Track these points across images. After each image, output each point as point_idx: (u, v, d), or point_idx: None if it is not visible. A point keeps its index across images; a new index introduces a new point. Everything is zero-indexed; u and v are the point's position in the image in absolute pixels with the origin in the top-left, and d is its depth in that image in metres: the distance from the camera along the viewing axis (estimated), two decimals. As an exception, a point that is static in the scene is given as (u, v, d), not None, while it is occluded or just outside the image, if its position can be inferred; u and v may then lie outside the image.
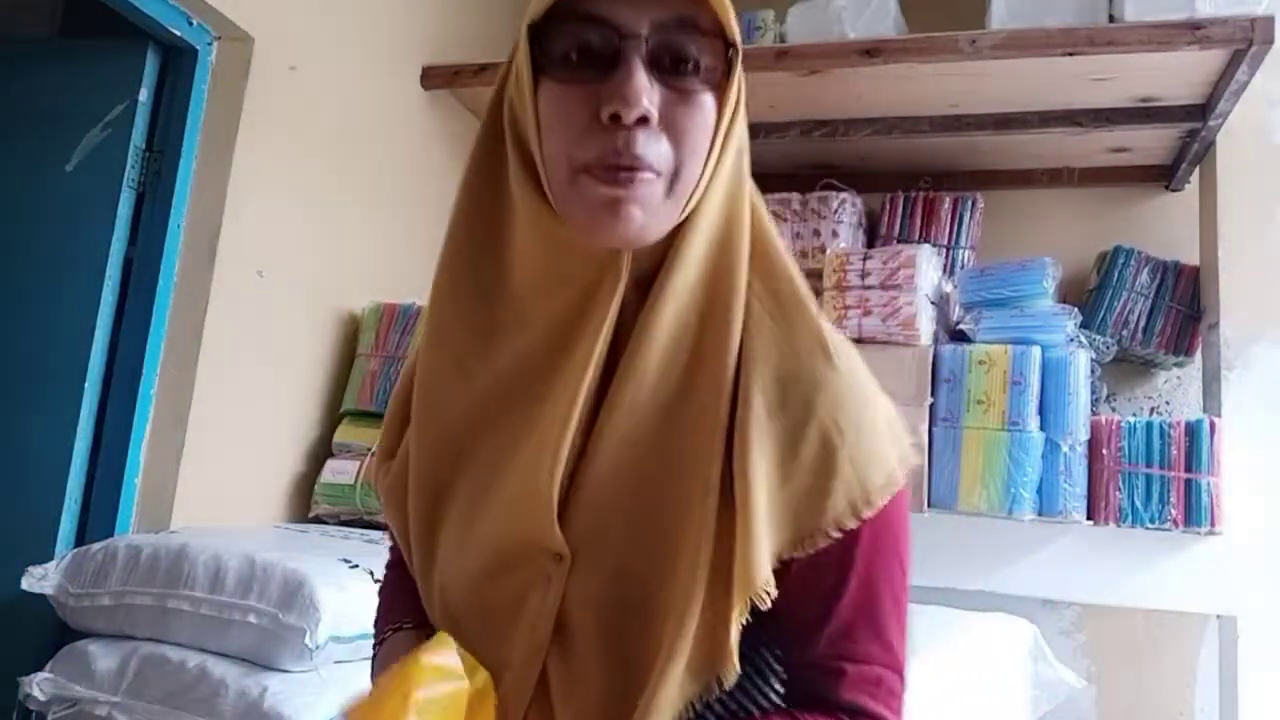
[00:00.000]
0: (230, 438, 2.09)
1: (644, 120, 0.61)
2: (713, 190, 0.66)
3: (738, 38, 0.65)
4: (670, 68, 0.63)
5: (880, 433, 0.68)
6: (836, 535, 0.65)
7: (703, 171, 0.65)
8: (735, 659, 0.64)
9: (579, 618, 0.67)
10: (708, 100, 0.64)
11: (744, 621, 0.64)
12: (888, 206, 2.87)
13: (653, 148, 0.62)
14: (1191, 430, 2.25)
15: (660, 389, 0.67)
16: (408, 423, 0.76)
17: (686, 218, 0.66)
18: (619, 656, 0.66)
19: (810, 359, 0.68)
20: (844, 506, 0.65)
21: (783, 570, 0.65)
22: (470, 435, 0.71)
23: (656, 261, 0.67)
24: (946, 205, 2.81)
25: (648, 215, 0.63)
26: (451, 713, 0.64)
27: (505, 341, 0.70)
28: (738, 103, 0.67)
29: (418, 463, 0.74)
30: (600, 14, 0.62)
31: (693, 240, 0.66)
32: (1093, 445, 2.32)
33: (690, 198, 0.65)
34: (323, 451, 2.35)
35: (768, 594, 0.63)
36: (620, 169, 0.62)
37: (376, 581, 1.74)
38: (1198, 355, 2.66)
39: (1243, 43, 2.16)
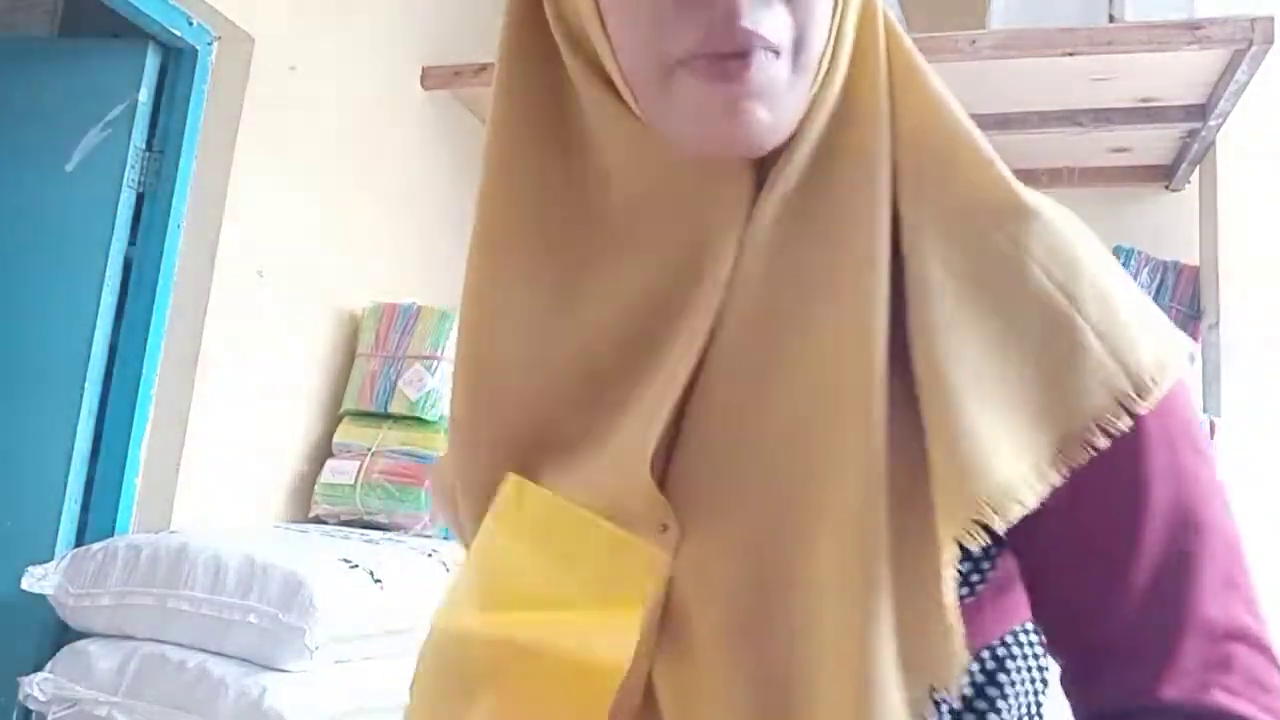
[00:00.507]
0: (230, 437, 2.09)
1: None
2: (839, 54, 0.51)
3: None
4: None
5: (1130, 297, 0.49)
6: (1103, 442, 0.44)
7: (829, 36, 0.50)
8: (960, 646, 0.42)
9: (698, 611, 0.47)
10: None
11: (968, 588, 0.44)
12: (888, 206, 2.87)
13: (766, 16, 0.47)
14: (1191, 430, 2.25)
15: (801, 308, 0.49)
16: None
17: (814, 97, 0.51)
18: (759, 663, 0.45)
19: (998, 204, 0.50)
20: (1104, 397, 0.45)
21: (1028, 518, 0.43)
22: (562, 398, 0.54)
23: (782, 158, 0.51)
24: (946, 205, 2.81)
25: (774, 110, 0.48)
26: None
27: (602, 281, 0.53)
28: None
29: (493, 430, 0.56)
30: None
31: (835, 122, 0.51)
32: (1093, 445, 2.32)
33: (818, 71, 0.50)
34: (323, 451, 2.35)
35: (1003, 515, 0.42)
36: (730, 57, 0.47)
37: (377, 581, 1.75)
38: (1198, 355, 2.66)
39: (1243, 43, 2.16)
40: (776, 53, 0.48)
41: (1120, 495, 0.46)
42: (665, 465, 0.50)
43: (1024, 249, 0.48)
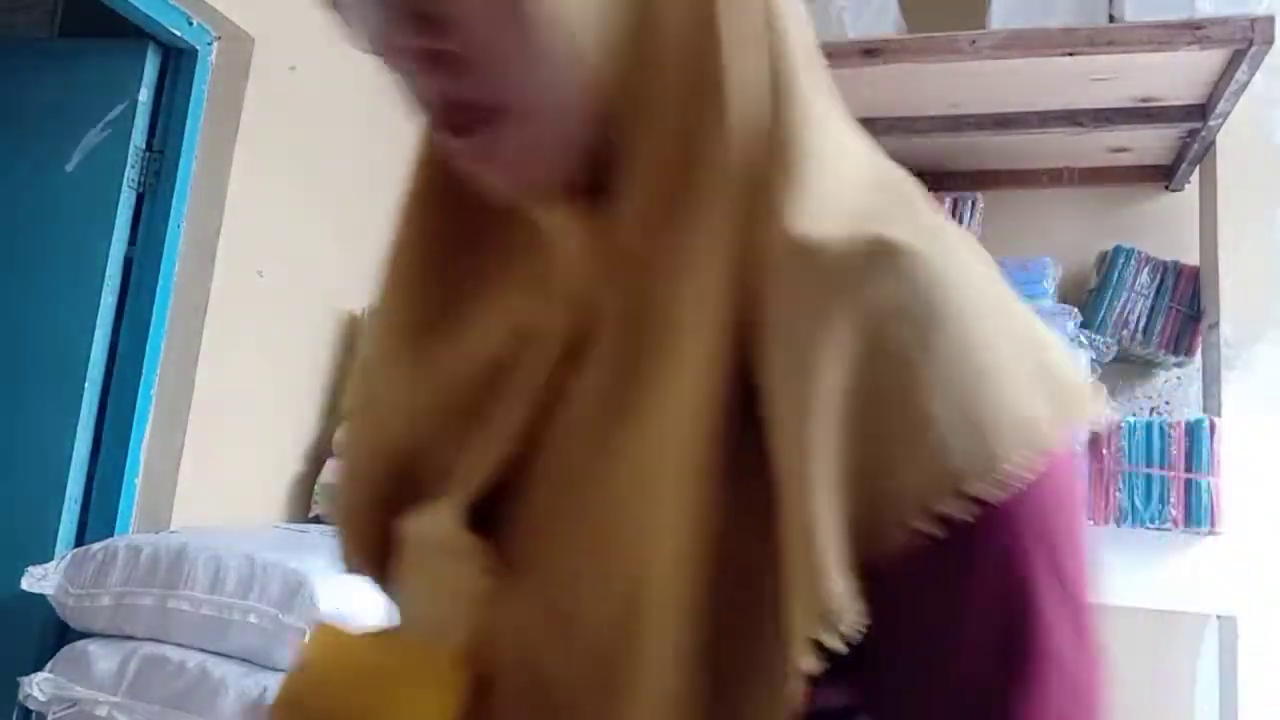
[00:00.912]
0: (230, 438, 2.09)
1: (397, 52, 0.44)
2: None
3: None
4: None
5: (1006, 356, 0.40)
6: (928, 529, 0.37)
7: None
8: None
9: (500, 664, 0.45)
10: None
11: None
12: (888, 206, 2.87)
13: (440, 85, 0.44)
14: (1191, 430, 2.25)
15: (627, 346, 0.45)
16: None
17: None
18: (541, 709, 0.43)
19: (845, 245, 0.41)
20: (934, 478, 0.37)
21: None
22: (414, 427, 0.54)
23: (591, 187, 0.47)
24: (946, 205, 2.81)
25: (507, 170, 0.46)
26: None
27: (456, 324, 0.54)
28: None
29: (361, 440, 0.59)
30: None
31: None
32: (1093, 445, 2.32)
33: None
34: (323, 451, 2.35)
35: (843, 623, 0.36)
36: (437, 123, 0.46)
37: (376, 581, 1.74)
38: (1198, 355, 2.65)
39: (1243, 43, 2.16)
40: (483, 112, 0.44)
41: (937, 600, 0.39)
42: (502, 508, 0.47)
43: (856, 300, 0.41)
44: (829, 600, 0.36)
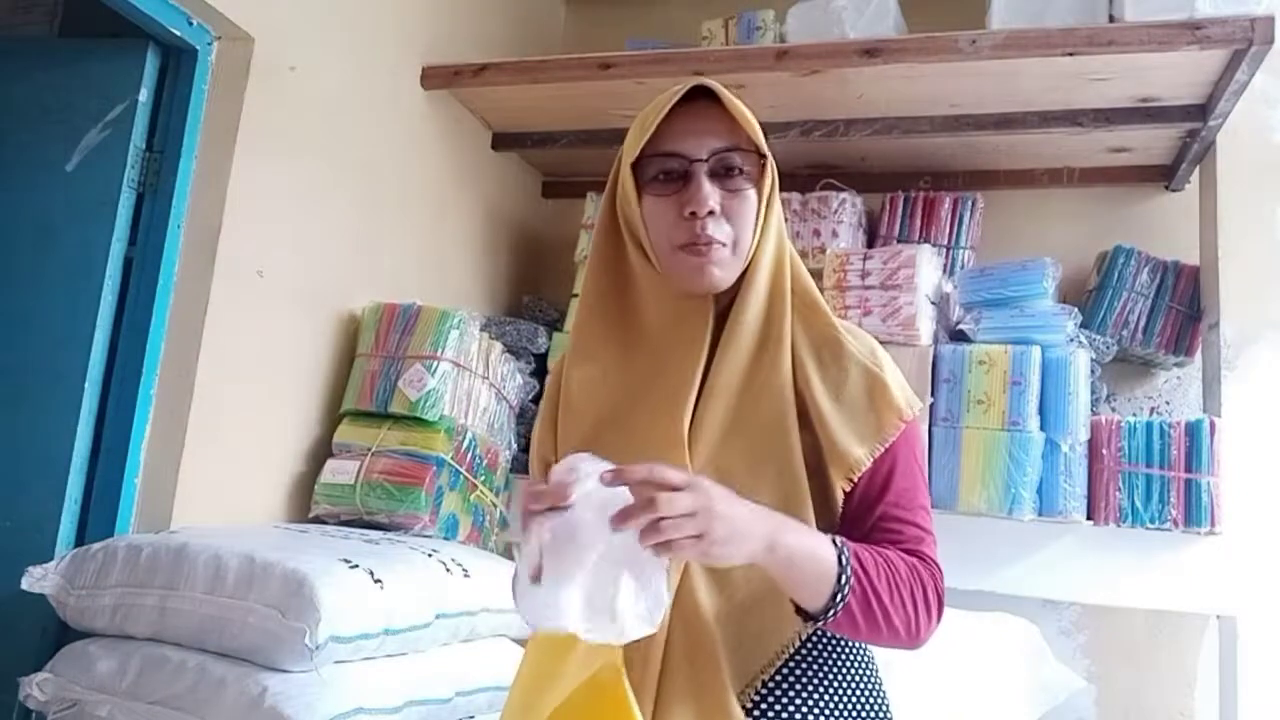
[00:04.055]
0: (230, 438, 2.09)
1: (711, 213, 0.99)
2: (762, 249, 1.03)
3: (768, 151, 1.03)
4: (724, 176, 1.01)
5: (895, 368, 1.05)
6: (892, 440, 1.01)
7: (753, 238, 1.02)
8: (839, 510, 1.00)
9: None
10: (751, 194, 1.02)
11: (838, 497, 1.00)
12: (888, 206, 2.87)
13: (718, 229, 1.00)
14: (1191, 430, 2.25)
15: (744, 367, 1.02)
16: (550, 422, 1.10)
17: (746, 267, 1.03)
18: None
19: (831, 331, 1.05)
20: (893, 421, 1.02)
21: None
22: (620, 407, 1.03)
23: (731, 295, 1.04)
24: (946, 205, 2.81)
25: (723, 270, 1.01)
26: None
27: (641, 353, 1.05)
28: (772, 191, 1.05)
29: (576, 422, 1.05)
30: (675, 149, 1.01)
31: (752, 280, 1.03)
32: (1093, 445, 2.32)
33: (748, 257, 1.03)
34: (323, 451, 2.35)
35: (852, 478, 1.00)
36: (699, 245, 0.99)
37: (377, 581, 1.75)
38: (1198, 355, 2.66)
39: (1243, 43, 2.16)
40: (724, 244, 1.00)
41: (886, 464, 1.02)
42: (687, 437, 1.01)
43: (848, 352, 1.05)
44: (852, 460, 1.01)
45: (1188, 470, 2.23)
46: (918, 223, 2.82)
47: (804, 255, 2.74)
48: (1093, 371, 2.43)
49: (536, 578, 0.83)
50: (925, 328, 2.41)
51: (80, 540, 1.92)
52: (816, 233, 2.74)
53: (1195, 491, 2.22)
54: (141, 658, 1.66)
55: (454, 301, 2.62)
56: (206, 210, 2.06)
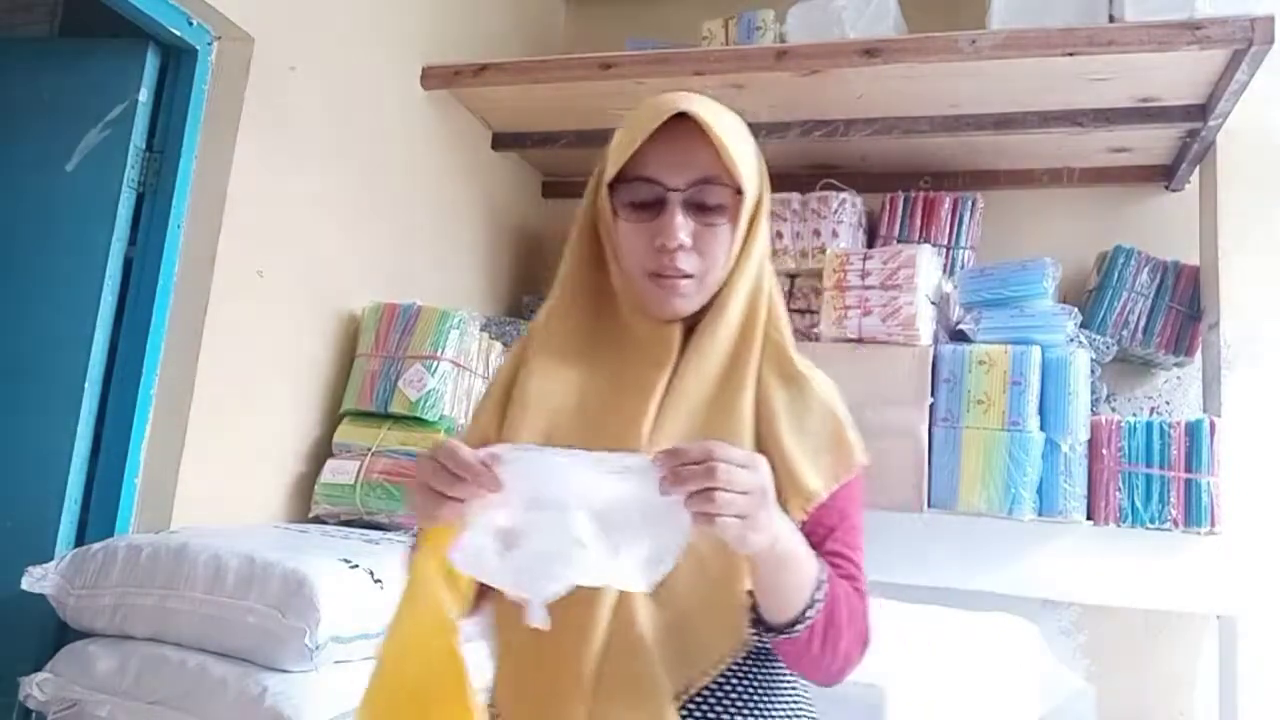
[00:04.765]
0: (230, 438, 2.09)
1: (681, 246, 0.98)
2: (735, 281, 1.03)
3: (746, 186, 0.99)
4: (698, 209, 0.99)
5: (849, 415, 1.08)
6: (845, 481, 1.01)
7: (725, 270, 1.02)
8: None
9: None
10: (724, 229, 1.00)
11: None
12: (888, 206, 2.87)
13: (688, 262, 0.99)
14: (1191, 430, 2.25)
15: (708, 386, 1.02)
16: (499, 405, 1.06)
17: (714, 298, 1.03)
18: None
19: (798, 369, 1.05)
20: (850, 463, 1.02)
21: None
22: (579, 408, 1.02)
23: (698, 318, 1.04)
24: (946, 205, 2.81)
25: (687, 301, 1.01)
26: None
27: (607, 359, 1.05)
28: (754, 223, 1.03)
29: (531, 413, 1.02)
30: (652, 176, 0.98)
31: (723, 306, 1.03)
32: (1093, 445, 2.32)
33: (716, 287, 1.02)
34: (323, 451, 2.35)
35: (807, 509, 0.97)
36: (667, 277, 0.99)
37: (377, 581, 1.75)
38: (1198, 355, 2.66)
39: (1243, 43, 2.16)
40: (692, 277, 1.00)
41: (846, 497, 1.02)
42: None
43: (813, 390, 1.04)
44: (809, 491, 0.98)
45: (1188, 470, 2.23)
46: (918, 223, 2.82)
47: (804, 255, 2.75)
48: (1093, 371, 2.43)
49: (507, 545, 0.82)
50: (925, 328, 2.41)
51: (80, 540, 1.92)
52: (816, 233, 2.74)
53: (1195, 491, 2.22)
54: (141, 658, 1.66)
55: (454, 301, 2.62)
56: (206, 210, 2.06)
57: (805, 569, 0.91)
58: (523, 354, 1.08)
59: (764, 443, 0.99)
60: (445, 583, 0.86)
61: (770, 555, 0.87)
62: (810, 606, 0.91)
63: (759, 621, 0.93)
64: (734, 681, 0.97)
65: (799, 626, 0.91)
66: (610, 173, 1.01)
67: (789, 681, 1.02)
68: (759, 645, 0.97)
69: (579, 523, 0.81)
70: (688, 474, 0.79)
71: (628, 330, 1.05)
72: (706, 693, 0.95)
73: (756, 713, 0.97)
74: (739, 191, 0.99)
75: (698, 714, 0.95)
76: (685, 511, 0.80)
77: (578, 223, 1.07)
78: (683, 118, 0.98)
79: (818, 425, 1.02)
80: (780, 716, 1.00)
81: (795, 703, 1.03)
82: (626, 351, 1.04)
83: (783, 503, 0.93)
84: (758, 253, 1.05)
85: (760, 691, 0.99)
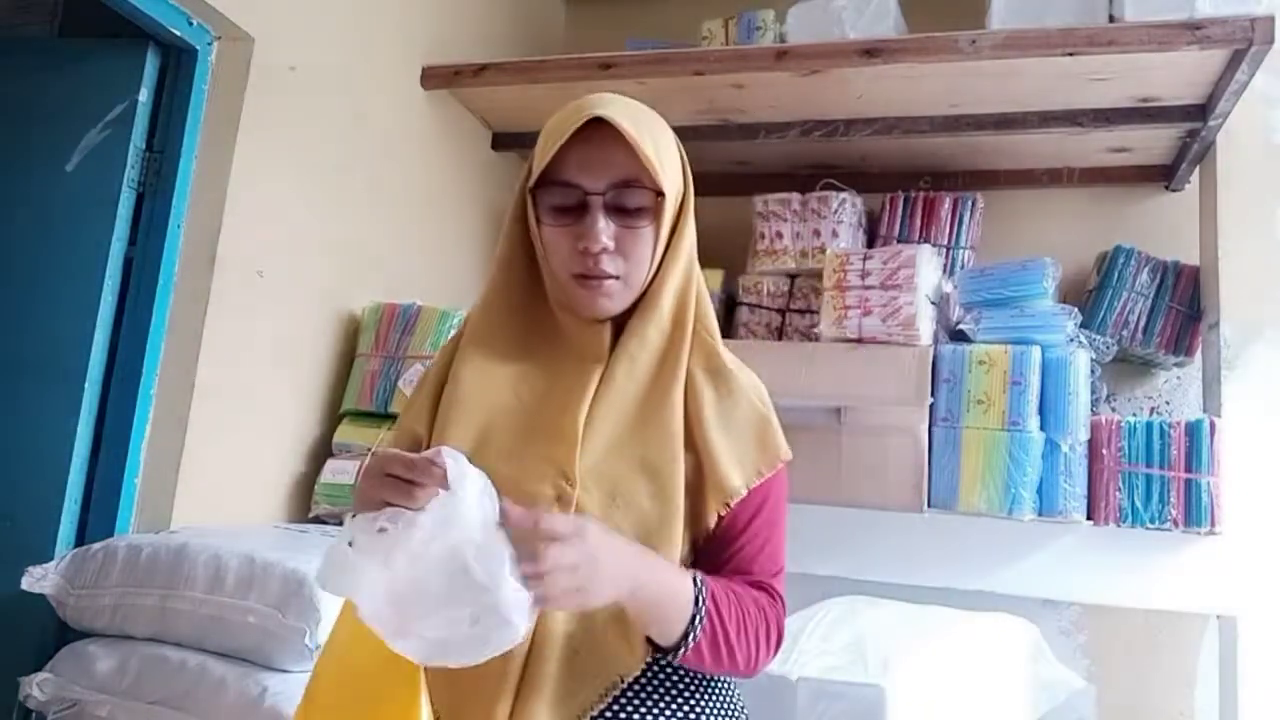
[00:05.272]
0: (230, 438, 2.09)
1: (605, 249, 0.99)
2: (662, 280, 1.05)
3: (667, 187, 1.01)
4: (620, 212, 1.00)
5: (774, 413, 1.10)
6: (766, 478, 1.04)
7: (650, 271, 1.04)
8: (708, 531, 1.02)
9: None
10: (646, 231, 1.02)
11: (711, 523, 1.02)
12: (888, 206, 2.87)
13: (612, 264, 1.00)
14: (1191, 430, 2.25)
15: (639, 383, 1.04)
16: (431, 400, 1.08)
17: (641, 296, 1.05)
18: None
19: (726, 366, 1.08)
20: (772, 460, 1.05)
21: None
22: (512, 405, 1.04)
23: (627, 315, 1.06)
24: (946, 205, 2.81)
25: (612, 301, 1.03)
26: None
27: (540, 357, 1.06)
28: (678, 223, 1.05)
29: (465, 410, 1.04)
30: (572, 180, 1.00)
31: (651, 305, 1.05)
32: (1093, 445, 2.32)
33: (642, 287, 1.04)
34: (323, 451, 2.35)
35: (729, 504, 1.02)
36: (592, 278, 1.01)
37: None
38: (1198, 355, 2.66)
39: (1243, 43, 2.16)
40: (616, 278, 1.01)
41: (764, 493, 1.05)
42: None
43: (736, 386, 1.06)
44: (730, 489, 1.03)
45: (1188, 470, 2.23)
46: (918, 223, 2.81)
47: (804, 255, 2.75)
48: (1093, 371, 2.42)
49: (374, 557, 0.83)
50: (925, 328, 2.41)
51: (80, 540, 1.92)
52: (816, 233, 2.74)
53: (1195, 491, 2.22)
54: (141, 658, 1.66)
55: (454, 301, 2.62)
56: (206, 210, 2.06)
57: (675, 600, 0.93)
58: (454, 351, 1.10)
59: (693, 442, 1.02)
60: None
61: (632, 601, 0.91)
62: (690, 631, 0.94)
63: (648, 641, 0.96)
64: (660, 678, 1.00)
65: (683, 650, 0.94)
66: (533, 177, 1.02)
67: (715, 688, 1.05)
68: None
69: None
70: (520, 555, 0.83)
71: (559, 329, 1.07)
72: (631, 693, 0.98)
73: (687, 707, 1.01)
74: (659, 193, 1.00)
75: (628, 710, 0.98)
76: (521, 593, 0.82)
77: (507, 222, 1.08)
78: (601, 121, 0.98)
79: (743, 422, 1.05)
80: (712, 711, 1.03)
81: (728, 695, 1.07)
82: (559, 350, 1.06)
83: (704, 499, 1.01)
84: (684, 252, 1.06)
85: (686, 685, 1.02)
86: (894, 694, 1.59)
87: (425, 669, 0.90)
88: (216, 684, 1.58)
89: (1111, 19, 2.35)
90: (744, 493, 1.02)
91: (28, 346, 2.01)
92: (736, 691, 1.09)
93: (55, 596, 1.76)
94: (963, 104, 2.61)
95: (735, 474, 1.02)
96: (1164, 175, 2.86)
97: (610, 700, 0.96)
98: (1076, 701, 2.40)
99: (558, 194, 1.00)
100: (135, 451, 1.97)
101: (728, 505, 1.01)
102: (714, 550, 1.03)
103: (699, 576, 0.97)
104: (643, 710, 0.98)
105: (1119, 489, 2.27)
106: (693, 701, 1.02)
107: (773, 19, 2.79)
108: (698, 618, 0.94)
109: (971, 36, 2.36)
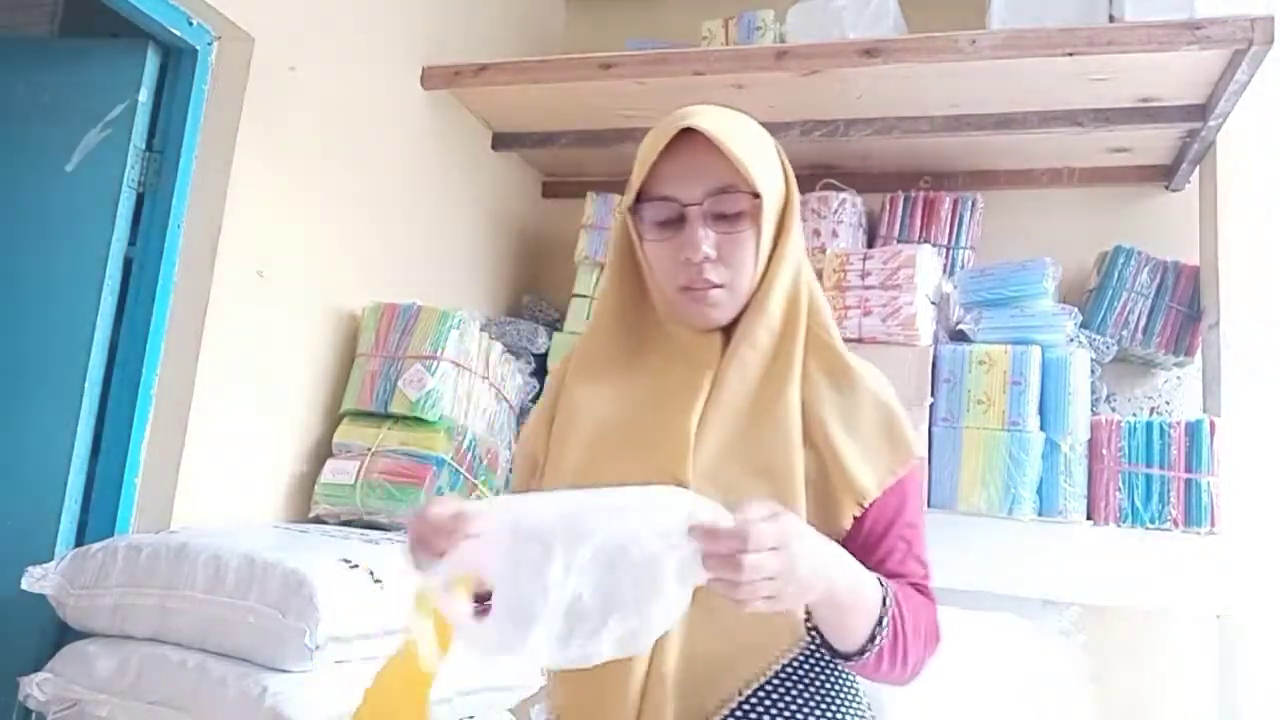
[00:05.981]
0: (230, 438, 2.09)
1: (706, 258, 0.99)
2: (769, 283, 1.04)
3: (764, 190, 1.00)
4: (719, 220, 1.00)
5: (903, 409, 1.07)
6: (900, 477, 1.01)
7: (754, 276, 1.03)
8: (843, 534, 0.98)
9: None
10: (748, 236, 1.02)
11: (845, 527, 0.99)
12: (888, 206, 2.87)
13: (715, 273, 1.00)
14: (1191, 430, 2.25)
15: (751, 387, 1.02)
16: (545, 424, 1.10)
17: (750, 302, 1.04)
18: None
19: (846, 364, 1.05)
20: (905, 458, 1.03)
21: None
22: (623, 417, 1.04)
23: (738, 322, 1.05)
24: (946, 205, 2.81)
25: (719, 310, 1.03)
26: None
27: (649, 373, 1.07)
28: (782, 225, 1.05)
29: (576, 426, 1.05)
30: (668, 194, 1.01)
31: (760, 309, 1.03)
32: (1093, 445, 2.32)
33: (749, 293, 1.03)
34: (323, 451, 2.35)
35: (862, 504, 0.99)
36: (697, 289, 1.01)
37: (377, 582, 1.75)
38: (1198, 355, 2.65)
39: (1243, 43, 2.16)
40: (720, 286, 1.01)
41: (902, 492, 1.02)
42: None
43: (862, 384, 1.04)
44: (860, 490, 1.00)
45: (1187, 470, 2.23)
46: (918, 223, 2.82)
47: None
48: (1093, 371, 2.43)
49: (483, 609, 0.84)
50: (925, 328, 2.41)
51: (80, 540, 1.92)
52: (816, 233, 2.74)
53: (1195, 491, 2.22)
54: (141, 658, 1.66)
55: (454, 301, 2.62)
56: (206, 210, 2.06)
57: (865, 603, 0.92)
58: (564, 372, 1.12)
59: (814, 441, 0.99)
60: (435, 630, 0.87)
61: (822, 604, 0.89)
62: (875, 635, 0.92)
63: (826, 646, 0.95)
64: (789, 685, 0.98)
65: (866, 654, 0.93)
66: (630, 195, 1.03)
67: (842, 687, 1.03)
68: (811, 649, 0.98)
69: (558, 593, 0.82)
70: (714, 564, 0.80)
71: (671, 341, 1.06)
72: (758, 700, 0.96)
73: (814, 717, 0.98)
74: (756, 195, 1.00)
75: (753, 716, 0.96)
76: (684, 588, 0.81)
77: (612, 244, 1.11)
78: (692, 131, 0.98)
79: (868, 420, 1.02)
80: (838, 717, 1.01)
81: (855, 704, 1.04)
82: (668, 360, 1.06)
83: (834, 499, 0.98)
84: (791, 252, 1.05)
85: (818, 697, 0.99)
86: (894, 694, 1.58)
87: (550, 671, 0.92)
88: (216, 684, 1.58)
89: (1111, 19, 2.35)
90: (877, 493, 0.99)
91: (28, 346, 2.01)
92: (860, 694, 1.07)
93: (55, 596, 1.76)
94: (963, 104, 2.61)
95: (866, 473, 0.99)
96: (1164, 175, 2.86)
97: (745, 705, 0.95)
98: (1076, 701, 2.40)
99: (656, 209, 1.01)
100: (135, 451, 1.97)
101: (861, 505, 0.99)
102: (857, 555, 0.96)
103: (882, 579, 0.95)
104: (765, 708, 0.97)
105: (1119, 489, 2.27)
106: (818, 705, 1.00)
107: (773, 19, 2.79)
108: (883, 623, 0.93)
109: (971, 36, 2.36)
